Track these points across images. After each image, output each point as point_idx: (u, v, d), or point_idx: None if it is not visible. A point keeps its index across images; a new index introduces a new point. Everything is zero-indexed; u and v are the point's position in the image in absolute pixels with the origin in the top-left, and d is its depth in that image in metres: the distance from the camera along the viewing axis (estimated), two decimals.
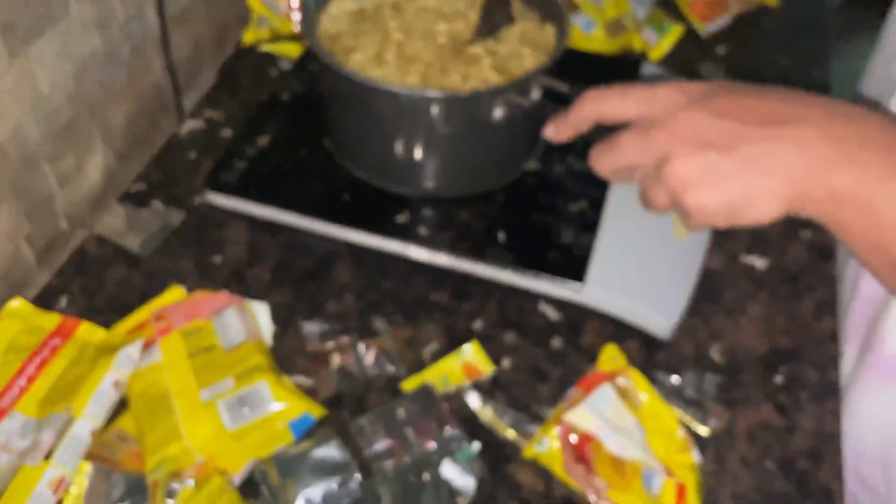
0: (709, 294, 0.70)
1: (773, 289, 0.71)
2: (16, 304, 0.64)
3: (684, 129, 0.45)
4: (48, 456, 0.54)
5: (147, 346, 0.61)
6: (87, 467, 0.55)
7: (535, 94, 0.63)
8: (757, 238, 0.75)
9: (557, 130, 0.53)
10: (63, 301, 0.67)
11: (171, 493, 0.52)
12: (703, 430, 0.61)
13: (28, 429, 0.57)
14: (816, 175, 0.42)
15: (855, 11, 2.89)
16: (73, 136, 0.70)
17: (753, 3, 0.99)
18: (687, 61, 0.93)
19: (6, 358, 0.61)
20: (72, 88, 0.68)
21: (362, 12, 0.70)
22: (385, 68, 0.63)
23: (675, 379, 0.63)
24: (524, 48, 0.65)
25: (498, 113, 0.62)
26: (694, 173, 0.45)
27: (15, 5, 0.59)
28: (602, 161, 0.50)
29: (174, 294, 0.65)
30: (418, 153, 0.65)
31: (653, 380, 0.63)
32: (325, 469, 0.55)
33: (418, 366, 0.63)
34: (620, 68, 0.80)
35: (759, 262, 0.73)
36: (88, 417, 0.56)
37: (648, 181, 0.48)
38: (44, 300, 0.67)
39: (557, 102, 0.60)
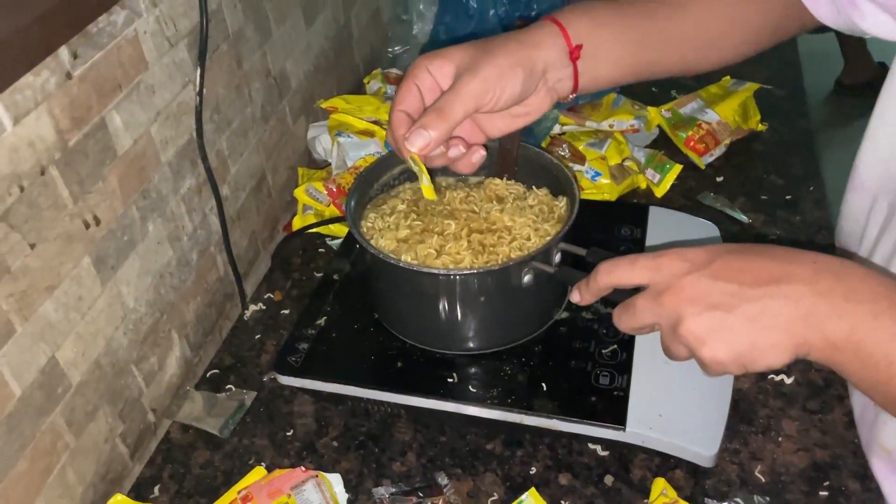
0: (744, 415, 0.75)
1: (804, 403, 0.76)
2: (116, 499, 0.71)
3: (690, 293, 0.52)
4: None
5: None
6: None
7: (556, 258, 0.71)
8: None
9: (582, 297, 0.61)
10: (156, 490, 0.74)
11: None
12: None
13: None
14: (812, 327, 0.49)
15: (843, 100, 3.01)
16: (155, 337, 0.79)
17: (744, 130, 1.09)
18: (689, 192, 1.02)
19: None
20: (151, 297, 0.78)
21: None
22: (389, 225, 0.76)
23: None
24: (505, 235, 0.74)
25: (527, 279, 0.70)
26: (705, 331, 0.51)
27: (105, 241, 0.70)
28: (623, 322, 0.57)
29: (256, 474, 0.72)
30: (459, 319, 0.73)
31: None
32: None
33: None
34: (631, 214, 0.88)
35: (786, 379, 0.78)
36: None
37: (667, 338, 0.55)
38: (139, 491, 0.74)
39: (575, 264, 0.69)
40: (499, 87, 0.60)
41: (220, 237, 0.89)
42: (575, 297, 0.62)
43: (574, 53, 0.63)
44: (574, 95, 0.66)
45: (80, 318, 0.67)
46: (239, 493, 0.71)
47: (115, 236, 0.71)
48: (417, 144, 0.59)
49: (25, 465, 0.62)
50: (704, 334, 0.51)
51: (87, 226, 0.67)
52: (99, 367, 0.71)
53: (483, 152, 0.65)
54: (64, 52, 0.62)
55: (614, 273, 0.57)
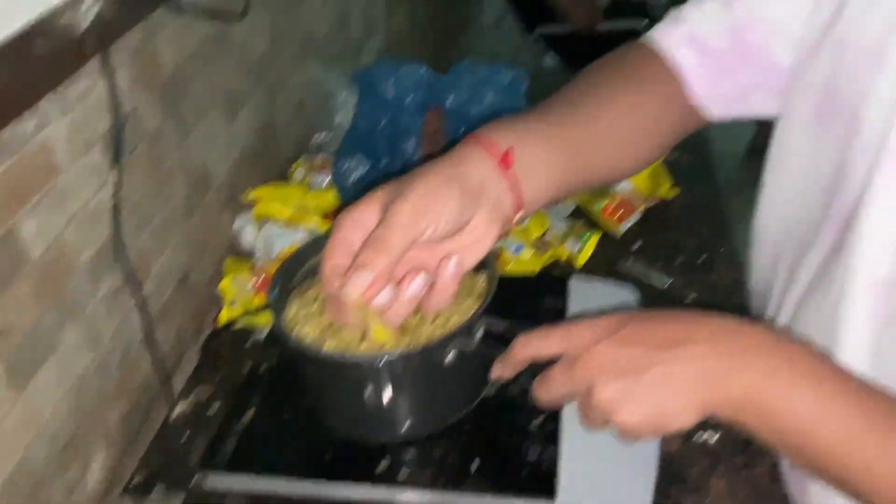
0: (674, 477, 0.76)
1: (729, 461, 0.77)
2: None
3: (601, 361, 0.54)
4: None
5: None
6: None
7: (478, 335, 0.72)
8: None
9: (502, 372, 0.62)
10: None
11: None
12: None
13: None
14: (714, 386, 0.51)
15: (756, 163, 3.16)
16: (75, 447, 0.77)
17: (655, 198, 1.14)
18: (609, 261, 1.05)
19: None
20: (71, 405, 0.76)
21: None
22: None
23: None
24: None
25: (450, 357, 0.71)
26: (616, 397, 0.53)
27: (18, 352, 0.68)
28: (541, 394, 0.58)
29: None
30: (386, 404, 0.73)
31: None
32: None
33: None
34: (551, 287, 0.91)
35: (711, 438, 0.80)
36: None
37: (582, 406, 0.56)
38: None
39: (497, 339, 0.70)
40: (437, 207, 0.54)
41: (144, 337, 0.88)
42: (495, 372, 0.63)
43: (504, 162, 0.58)
44: (521, 213, 0.60)
45: None
46: None
47: (29, 345, 0.70)
48: (358, 285, 0.53)
49: None
50: (616, 401, 0.53)
51: None
52: (14, 484, 0.68)
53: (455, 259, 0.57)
54: None
55: (529, 346, 0.59)
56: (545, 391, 0.58)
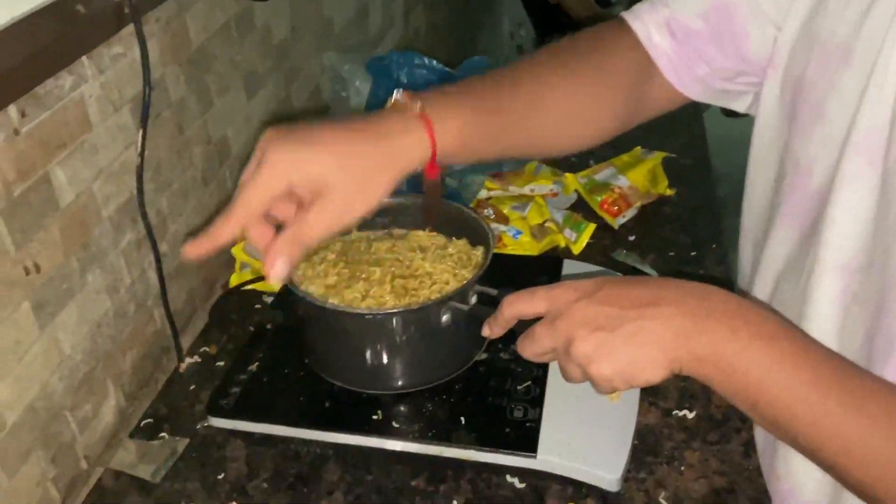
0: (650, 448, 0.81)
1: (704, 436, 0.82)
2: None
3: (580, 318, 0.59)
4: None
5: None
6: None
7: (472, 300, 0.77)
8: (684, 393, 0.87)
9: (491, 329, 0.67)
10: None
11: None
12: None
13: None
14: (680, 343, 0.56)
15: None
16: (90, 385, 0.82)
17: (653, 195, 1.18)
18: (604, 251, 1.10)
19: None
20: (88, 346, 0.81)
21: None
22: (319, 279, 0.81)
23: None
24: (429, 273, 0.81)
25: (445, 318, 0.76)
26: (592, 350, 0.58)
27: (45, 288, 0.74)
28: (526, 349, 0.63)
29: None
30: (383, 359, 0.78)
31: None
32: None
33: None
34: (547, 266, 0.96)
35: (689, 414, 0.84)
36: None
37: (562, 360, 0.61)
38: None
39: (490, 304, 0.75)
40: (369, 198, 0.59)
41: (158, 292, 0.93)
42: (485, 331, 0.68)
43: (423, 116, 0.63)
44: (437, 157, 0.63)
45: (16, 361, 0.70)
46: None
47: (55, 284, 0.75)
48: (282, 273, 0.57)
49: None
50: (592, 353, 0.58)
51: (28, 272, 0.71)
52: (33, 411, 0.73)
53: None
54: (13, 110, 0.67)
55: (516, 305, 0.64)
56: (529, 345, 0.62)
